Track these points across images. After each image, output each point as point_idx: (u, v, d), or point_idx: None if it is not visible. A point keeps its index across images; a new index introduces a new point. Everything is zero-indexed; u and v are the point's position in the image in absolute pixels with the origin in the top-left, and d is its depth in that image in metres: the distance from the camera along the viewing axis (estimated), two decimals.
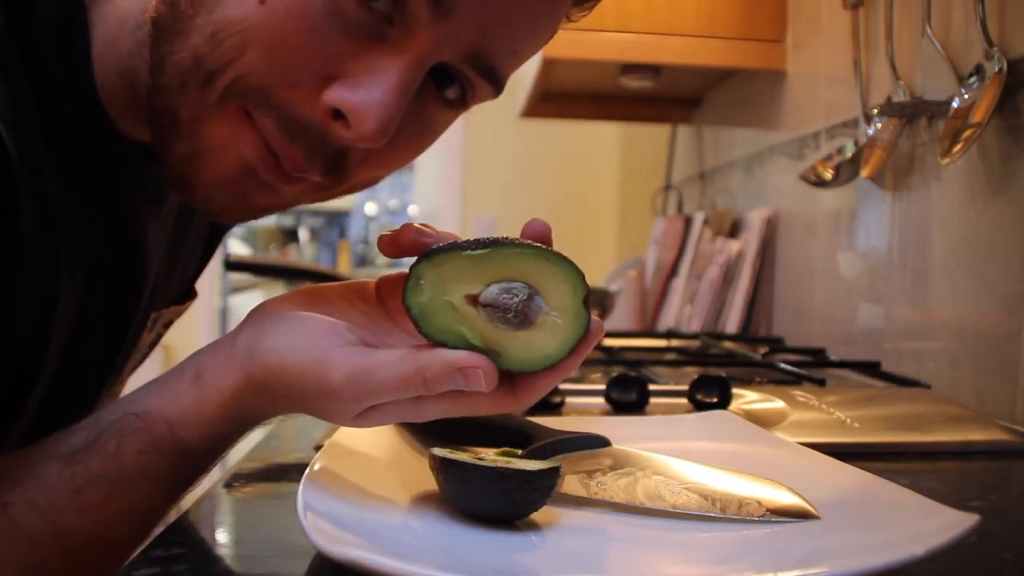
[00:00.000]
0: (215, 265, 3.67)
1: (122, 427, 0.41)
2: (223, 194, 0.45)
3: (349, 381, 0.38)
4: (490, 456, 0.42)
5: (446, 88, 0.45)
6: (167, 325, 0.64)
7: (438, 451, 0.42)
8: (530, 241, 0.39)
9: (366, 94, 0.41)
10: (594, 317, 0.40)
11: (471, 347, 0.38)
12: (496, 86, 0.46)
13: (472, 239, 0.39)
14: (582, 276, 0.39)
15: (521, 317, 0.38)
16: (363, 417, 0.40)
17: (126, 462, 0.41)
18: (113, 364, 0.57)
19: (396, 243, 0.42)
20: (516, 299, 0.38)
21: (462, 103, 0.47)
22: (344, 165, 0.45)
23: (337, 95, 0.41)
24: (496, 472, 0.39)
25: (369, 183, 0.49)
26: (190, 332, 2.76)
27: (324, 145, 0.43)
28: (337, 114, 0.42)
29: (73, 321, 0.49)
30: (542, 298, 0.39)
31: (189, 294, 0.67)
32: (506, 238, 0.39)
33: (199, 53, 0.41)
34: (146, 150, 0.48)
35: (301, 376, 0.39)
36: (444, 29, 0.42)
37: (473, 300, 0.39)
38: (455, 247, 0.39)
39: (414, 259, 0.40)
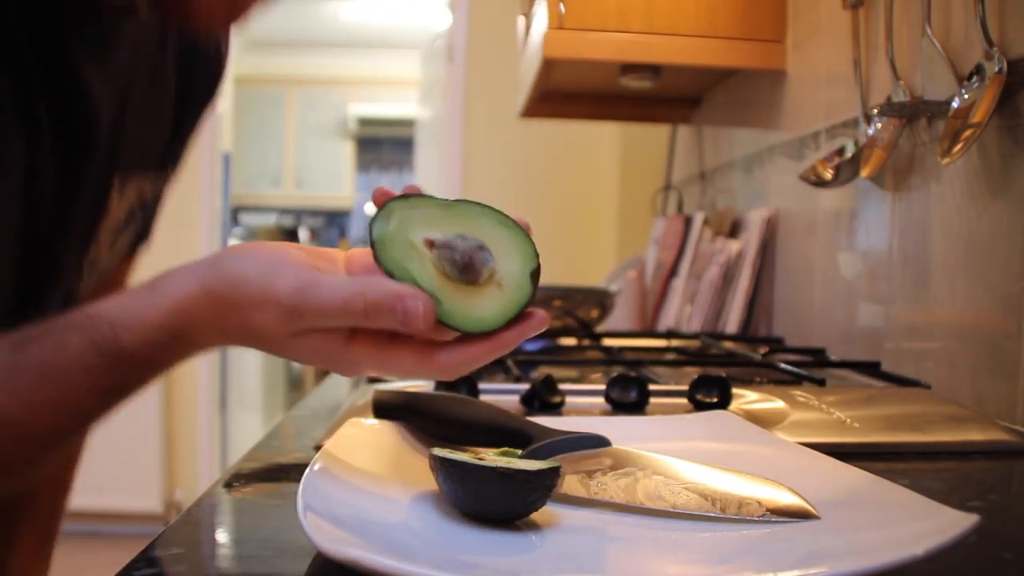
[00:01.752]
0: None
1: (70, 322, 0.43)
2: None
3: (295, 291, 0.40)
4: (490, 456, 0.42)
5: None
6: (143, 200, 0.64)
7: (438, 451, 0.42)
8: (499, 210, 0.42)
9: None
10: (539, 311, 0.41)
11: (415, 285, 0.41)
12: None
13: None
14: (536, 252, 0.42)
15: (467, 266, 0.41)
16: (295, 344, 0.42)
17: (65, 354, 0.42)
18: (82, 228, 0.57)
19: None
20: (466, 244, 0.41)
21: None
22: None
23: None
24: (496, 472, 0.39)
25: None
26: None
27: None
28: None
29: (24, 182, 0.49)
30: (492, 257, 0.41)
31: (165, 166, 0.67)
32: (479, 203, 0.42)
33: None
34: None
35: (252, 283, 0.41)
36: None
37: (431, 244, 0.41)
38: (430, 196, 0.42)
39: None
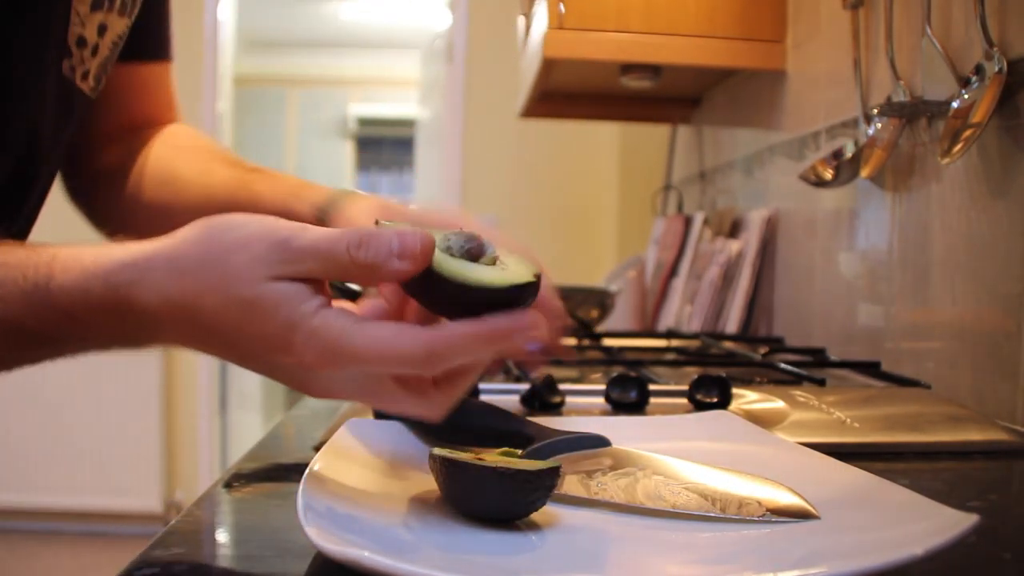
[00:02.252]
0: None
1: (11, 246, 0.41)
2: None
3: (284, 227, 0.38)
4: (490, 456, 0.42)
5: None
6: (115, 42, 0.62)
7: (438, 451, 0.42)
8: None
9: None
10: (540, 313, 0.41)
11: (484, 275, 0.39)
12: None
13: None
14: (534, 267, 0.42)
15: (471, 249, 0.41)
16: (267, 289, 0.39)
17: None
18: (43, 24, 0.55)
19: None
20: (466, 235, 0.41)
21: None
22: None
23: None
24: (496, 472, 0.39)
25: None
26: None
27: None
28: None
29: None
30: (494, 249, 0.41)
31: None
32: None
33: None
34: None
35: (234, 229, 0.39)
36: None
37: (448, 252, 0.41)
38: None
39: None
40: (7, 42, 0.53)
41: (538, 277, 0.41)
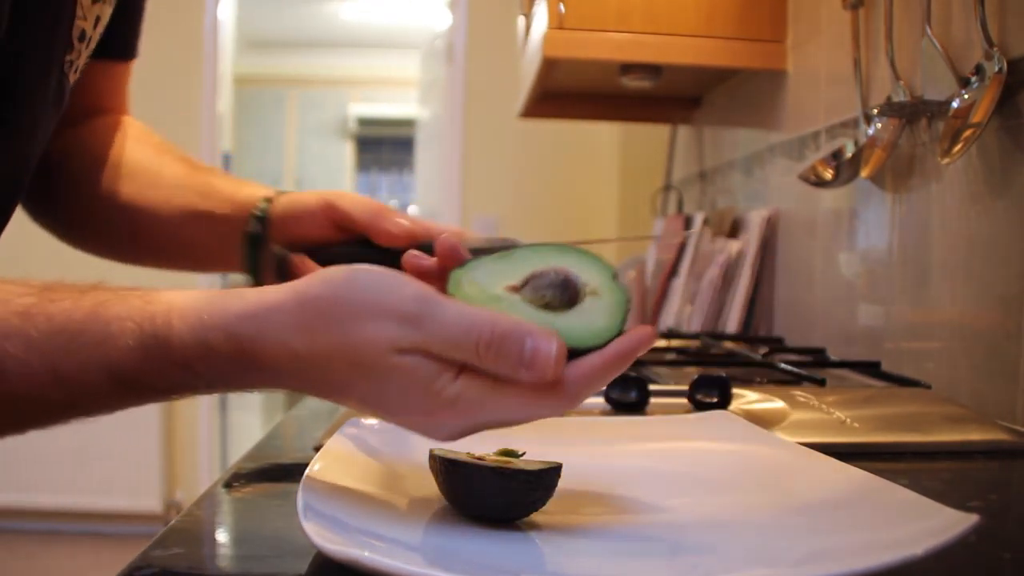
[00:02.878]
0: None
1: (118, 292, 0.40)
2: None
3: (418, 299, 0.38)
4: (490, 456, 0.42)
5: None
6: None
7: (438, 451, 0.42)
8: (547, 243, 0.43)
9: None
10: (646, 326, 0.41)
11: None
12: None
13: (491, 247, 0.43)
14: (601, 259, 0.42)
15: (566, 283, 0.40)
16: (394, 365, 0.38)
17: (100, 323, 0.38)
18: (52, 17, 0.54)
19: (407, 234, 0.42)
20: (551, 269, 0.41)
21: None
22: None
23: None
24: (496, 472, 0.39)
25: None
26: None
27: None
28: None
29: None
30: (564, 292, 0.41)
31: None
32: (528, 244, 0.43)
33: None
34: None
35: (367, 289, 0.38)
36: None
37: (514, 288, 0.41)
38: (480, 254, 0.42)
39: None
40: (21, 41, 0.52)
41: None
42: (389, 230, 0.60)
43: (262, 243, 0.65)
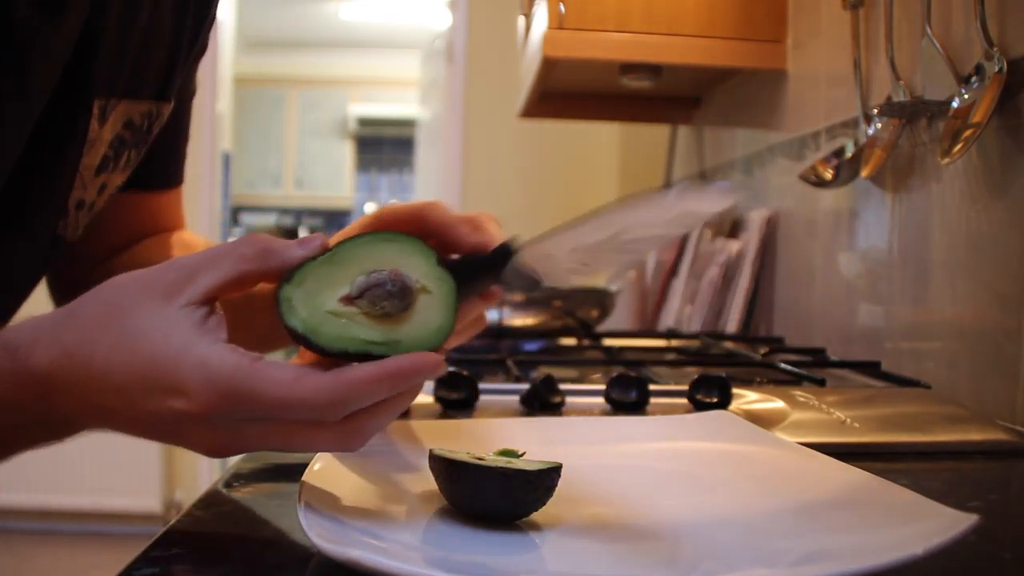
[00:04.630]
0: None
1: None
2: None
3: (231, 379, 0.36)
4: (490, 456, 0.42)
5: None
6: (128, 126, 0.60)
7: (438, 451, 0.42)
8: (366, 233, 0.41)
9: None
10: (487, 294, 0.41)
11: (371, 345, 0.38)
12: None
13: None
14: (423, 242, 0.41)
15: (400, 292, 0.39)
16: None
17: None
18: (57, 151, 0.54)
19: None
20: (382, 275, 0.39)
21: None
22: None
23: None
24: (496, 472, 0.39)
25: None
26: None
27: None
28: None
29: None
30: (398, 301, 0.39)
31: (162, 97, 0.63)
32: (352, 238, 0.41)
33: None
34: None
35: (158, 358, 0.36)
36: None
37: (349, 299, 0.39)
38: (304, 262, 0.39)
39: None
40: (12, 209, 0.52)
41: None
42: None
43: None
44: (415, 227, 0.50)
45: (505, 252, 0.45)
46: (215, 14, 0.68)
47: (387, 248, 0.40)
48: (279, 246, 0.39)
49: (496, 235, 0.50)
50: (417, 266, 0.41)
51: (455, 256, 0.48)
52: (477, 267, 0.47)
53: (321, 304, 0.39)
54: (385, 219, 0.52)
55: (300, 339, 0.38)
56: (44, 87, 0.52)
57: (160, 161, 0.67)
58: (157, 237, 0.73)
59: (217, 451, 0.39)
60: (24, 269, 0.59)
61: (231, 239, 0.39)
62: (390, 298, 0.39)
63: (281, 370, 0.36)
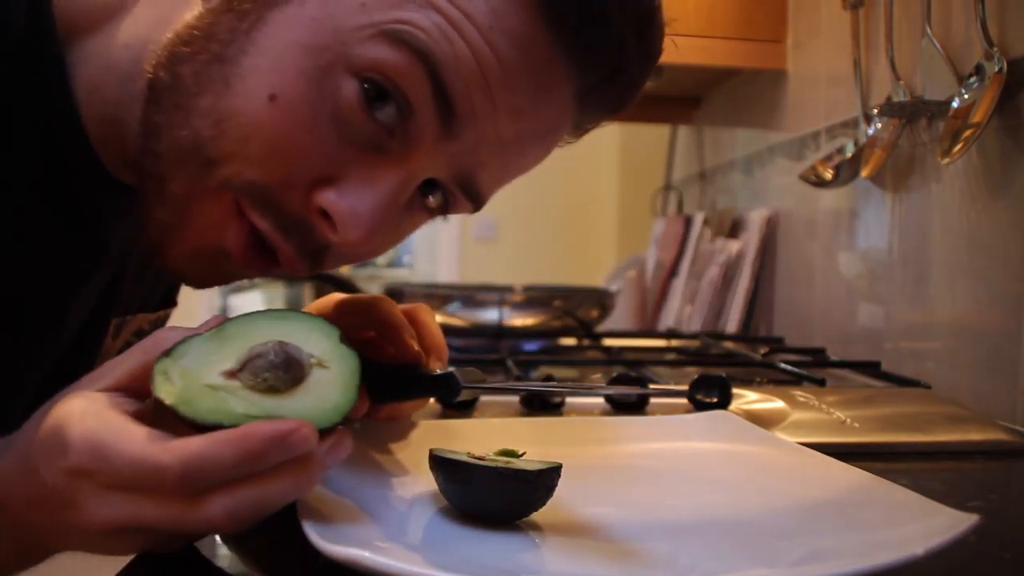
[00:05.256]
0: None
1: None
2: (195, 268, 0.46)
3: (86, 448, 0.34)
4: (490, 456, 0.42)
5: (428, 195, 0.46)
6: (138, 334, 0.63)
7: (438, 451, 0.42)
8: (261, 309, 0.39)
9: (357, 202, 0.42)
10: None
11: (249, 419, 0.34)
12: (477, 205, 0.48)
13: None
14: (325, 321, 0.39)
15: (289, 361, 0.37)
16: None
17: None
18: (76, 368, 0.56)
19: None
20: (268, 346, 0.37)
21: (442, 213, 0.48)
22: (322, 259, 0.46)
23: (328, 199, 0.42)
24: (496, 472, 0.39)
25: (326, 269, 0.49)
26: None
27: (310, 242, 0.44)
28: (324, 214, 0.43)
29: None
30: (299, 348, 0.37)
31: (167, 303, 0.66)
32: (240, 316, 0.39)
33: (201, 137, 0.41)
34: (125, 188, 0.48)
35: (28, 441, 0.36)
36: (444, 150, 0.43)
37: (230, 373, 0.36)
38: (188, 337, 0.37)
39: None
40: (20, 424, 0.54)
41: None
42: None
43: None
44: (362, 320, 0.51)
45: (451, 385, 0.46)
46: None
47: (281, 325, 0.38)
48: (166, 334, 0.38)
49: (439, 344, 0.53)
50: (317, 343, 0.38)
51: (398, 362, 0.49)
52: (420, 384, 0.48)
53: (199, 378, 0.36)
54: (331, 308, 0.53)
55: (170, 412, 0.35)
56: (77, 323, 0.54)
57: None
58: None
59: (111, 524, 0.35)
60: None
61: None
62: (273, 369, 0.36)
63: (141, 430, 0.34)
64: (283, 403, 0.36)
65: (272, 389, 0.36)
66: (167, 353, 0.36)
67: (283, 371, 0.36)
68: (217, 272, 0.47)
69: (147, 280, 0.61)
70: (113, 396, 0.36)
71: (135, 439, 0.33)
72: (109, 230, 0.52)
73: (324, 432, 0.35)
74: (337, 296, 0.55)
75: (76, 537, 0.39)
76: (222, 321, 0.38)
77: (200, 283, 0.49)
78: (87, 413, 0.35)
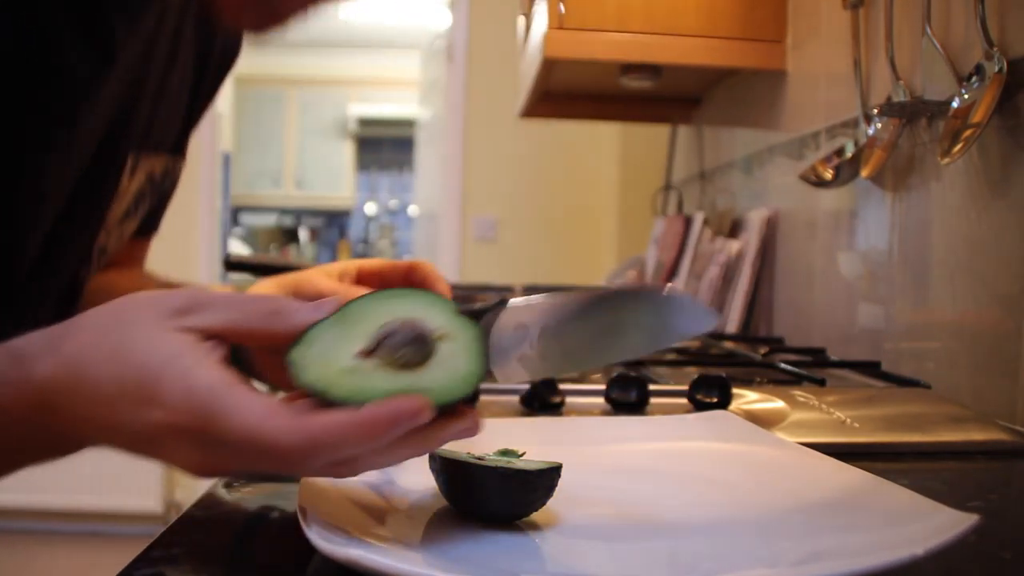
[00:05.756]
0: (215, 265, 3.62)
1: None
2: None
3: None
4: (490, 456, 0.42)
5: None
6: (150, 179, 0.62)
7: (438, 451, 0.42)
8: (374, 291, 0.40)
9: None
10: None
11: (396, 394, 0.36)
12: None
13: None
14: (437, 295, 0.41)
15: (419, 337, 0.38)
16: None
17: None
18: (90, 208, 0.56)
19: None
20: (400, 324, 0.38)
21: None
22: None
23: None
24: (496, 472, 0.39)
25: None
26: None
27: None
28: None
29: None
30: (417, 351, 0.38)
31: (176, 151, 0.65)
32: (357, 299, 0.40)
33: None
34: None
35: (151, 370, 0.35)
36: None
37: (365, 353, 0.38)
38: (314, 324, 0.38)
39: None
40: (46, 258, 0.53)
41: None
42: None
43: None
44: (406, 281, 0.53)
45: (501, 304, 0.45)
46: (231, 70, 0.70)
47: (400, 303, 0.40)
48: (289, 309, 0.38)
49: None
50: (435, 317, 0.39)
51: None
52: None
53: (334, 361, 0.37)
54: (367, 272, 0.55)
55: (318, 395, 0.36)
56: (90, 141, 0.53)
57: (147, 214, 0.69)
58: (123, 270, 0.75)
59: (200, 471, 0.37)
60: (47, 316, 0.60)
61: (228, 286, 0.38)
62: (407, 345, 0.38)
63: (256, 400, 0.34)
64: (420, 377, 0.37)
65: (406, 366, 0.38)
66: (297, 342, 0.37)
67: (416, 347, 0.38)
68: (266, 8, 0.47)
69: (159, 113, 0.60)
70: (210, 348, 0.36)
71: (251, 411, 0.33)
72: (119, 27, 0.51)
73: (456, 404, 0.37)
74: (358, 261, 0.57)
75: (143, 454, 0.39)
76: (340, 305, 0.39)
77: (253, 24, 0.49)
78: (190, 369, 0.34)
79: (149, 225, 0.72)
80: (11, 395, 0.37)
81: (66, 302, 0.61)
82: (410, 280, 0.55)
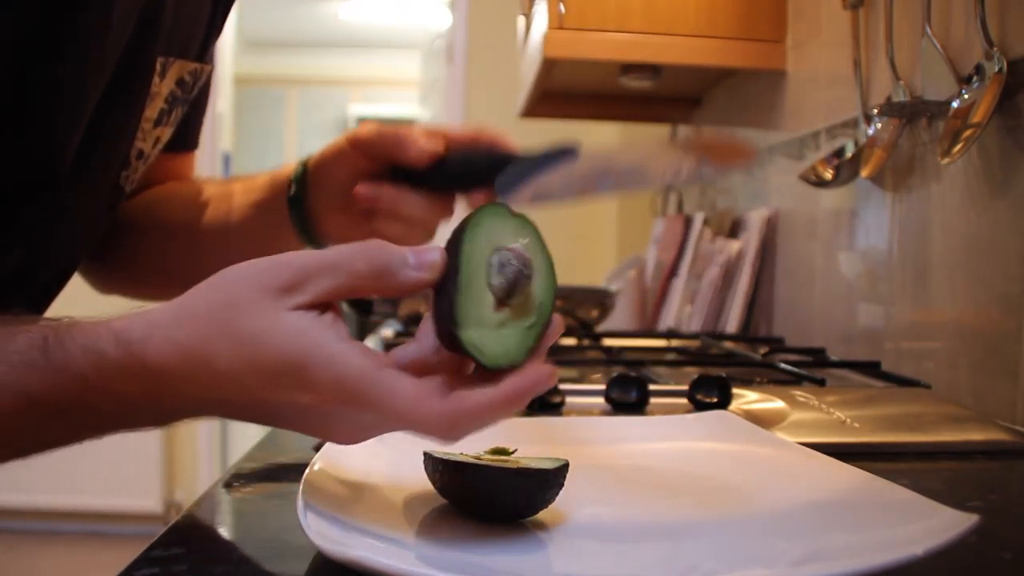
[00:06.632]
0: None
1: (24, 316, 0.40)
2: None
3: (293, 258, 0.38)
4: (485, 455, 0.42)
5: None
6: (180, 84, 0.63)
7: (437, 451, 0.42)
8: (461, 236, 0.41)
9: None
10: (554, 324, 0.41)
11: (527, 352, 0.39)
12: None
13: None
14: (509, 209, 0.42)
15: (529, 272, 0.40)
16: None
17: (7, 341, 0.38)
18: (129, 106, 0.57)
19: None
20: (514, 263, 0.40)
21: None
22: None
23: None
24: (513, 472, 0.39)
25: None
26: None
27: None
28: None
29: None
30: (531, 277, 0.40)
31: (203, 59, 0.66)
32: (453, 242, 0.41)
33: None
34: None
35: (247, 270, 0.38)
36: None
37: (501, 304, 0.40)
38: (456, 292, 0.39)
39: None
40: (85, 162, 0.54)
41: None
42: (411, 158, 0.60)
43: (304, 203, 0.68)
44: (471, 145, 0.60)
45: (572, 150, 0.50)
46: None
47: (489, 230, 0.41)
48: (396, 265, 0.38)
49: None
50: (541, 281, 0.41)
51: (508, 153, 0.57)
52: (545, 156, 0.54)
53: (488, 321, 0.39)
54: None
55: (499, 369, 0.38)
56: (119, 40, 0.53)
57: (183, 126, 0.70)
58: (176, 183, 0.79)
59: (345, 441, 0.41)
60: (93, 220, 0.62)
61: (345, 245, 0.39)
62: (526, 280, 0.40)
63: (404, 384, 0.36)
64: (528, 318, 0.40)
65: (525, 304, 0.40)
66: (457, 324, 0.38)
67: (524, 278, 0.40)
68: None
69: (183, 17, 0.61)
70: (331, 321, 0.38)
71: (404, 395, 0.36)
72: None
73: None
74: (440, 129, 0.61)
75: (278, 426, 0.41)
76: (443, 259, 0.39)
77: None
78: (334, 358, 0.36)
79: (188, 139, 0.75)
80: (118, 376, 0.38)
81: (112, 210, 0.64)
82: (479, 145, 0.61)
